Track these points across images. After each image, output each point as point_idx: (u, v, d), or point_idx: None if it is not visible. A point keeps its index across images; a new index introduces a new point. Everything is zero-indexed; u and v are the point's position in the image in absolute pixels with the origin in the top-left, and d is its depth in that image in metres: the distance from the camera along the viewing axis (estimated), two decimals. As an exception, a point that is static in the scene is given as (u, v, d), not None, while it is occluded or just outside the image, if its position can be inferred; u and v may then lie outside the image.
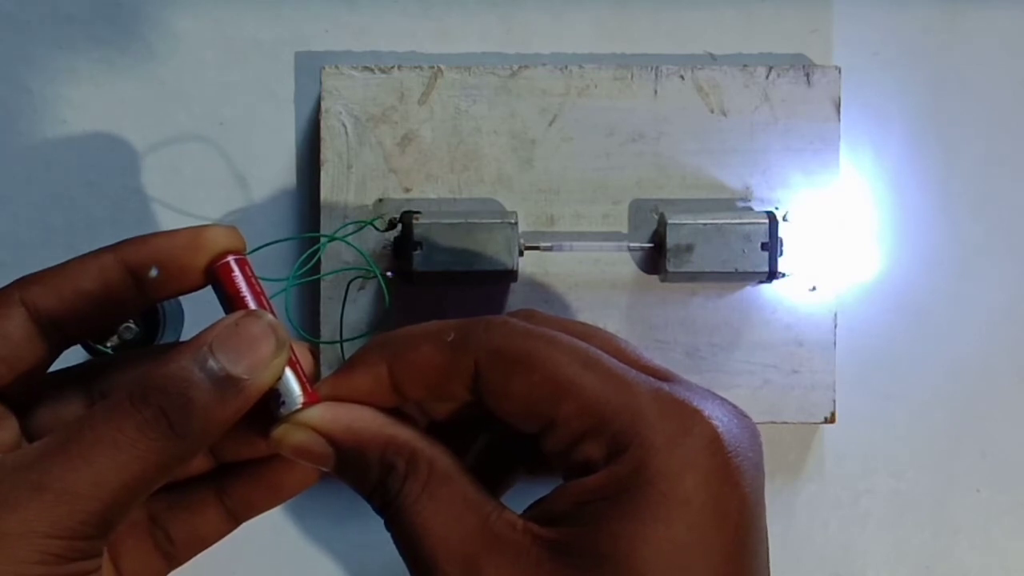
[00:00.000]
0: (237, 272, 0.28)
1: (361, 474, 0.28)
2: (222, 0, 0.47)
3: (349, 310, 0.43)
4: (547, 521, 0.26)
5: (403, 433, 0.28)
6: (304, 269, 0.40)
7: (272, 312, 0.28)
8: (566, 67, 0.44)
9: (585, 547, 0.25)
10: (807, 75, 0.44)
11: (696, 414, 0.26)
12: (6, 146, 0.46)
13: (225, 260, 0.28)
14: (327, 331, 0.43)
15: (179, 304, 0.45)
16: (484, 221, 0.41)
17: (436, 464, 0.27)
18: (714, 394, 0.28)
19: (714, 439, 0.26)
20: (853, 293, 0.47)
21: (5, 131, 0.46)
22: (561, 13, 0.47)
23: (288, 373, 0.28)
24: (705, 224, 0.41)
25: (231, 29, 0.47)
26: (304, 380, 0.28)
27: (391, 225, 0.43)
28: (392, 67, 0.44)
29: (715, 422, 0.26)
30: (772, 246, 0.41)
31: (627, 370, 0.27)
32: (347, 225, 0.43)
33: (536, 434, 0.27)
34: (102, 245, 0.41)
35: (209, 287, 0.28)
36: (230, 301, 0.28)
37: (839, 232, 0.44)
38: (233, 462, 0.31)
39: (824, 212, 0.44)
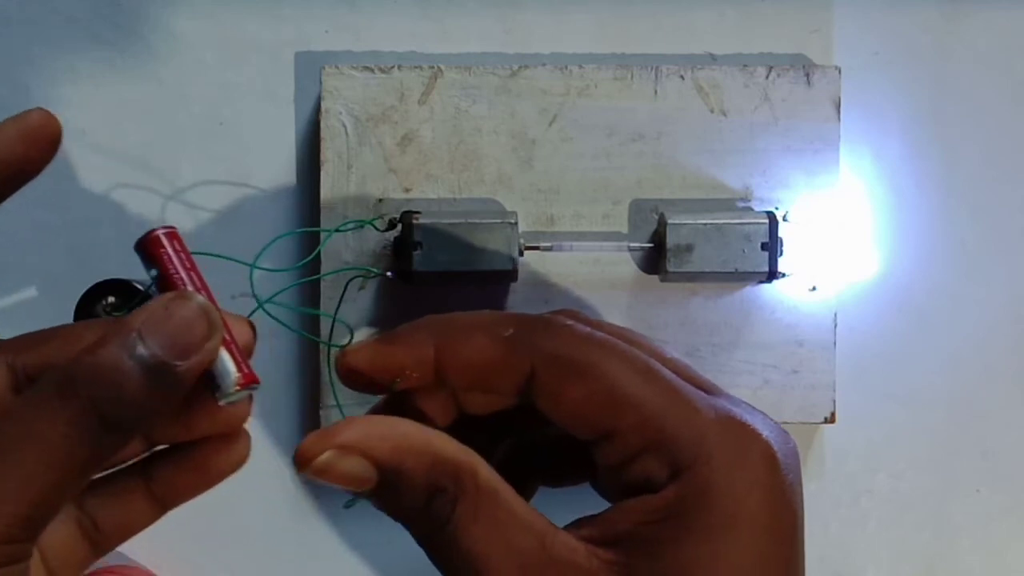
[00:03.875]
0: (166, 247, 0.27)
1: (402, 498, 0.26)
2: (222, 0, 0.47)
3: (349, 310, 0.43)
4: (608, 541, 0.25)
5: (447, 447, 0.26)
6: (304, 261, 0.40)
7: (205, 288, 0.27)
8: (566, 67, 0.44)
9: (655, 570, 0.24)
10: (807, 75, 0.44)
11: (753, 432, 0.26)
12: (6, 146, 0.46)
13: (153, 234, 0.27)
14: (327, 331, 0.43)
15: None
16: (484, 221, 0.41)
17: (481, 480, 0.26)
18: (755, 408, 0.28)
19: (771, 457, 0.25)
20: (853, 293, 0.47)
21: (5, 131, 0.46)
22: (561, 13, 0.47)
23: (223, 353, 0.27)
24: (705, 224, 0.41)
25: (231, 29, 0.47)
26: (240, 360, 0.27)
27: (391, 225, 0.43)
28: (392, 67, 0.44)
29: (770, 440, 0.26)
30: (772, 246, 0.41)
31: (684, 385, 0.27)
32: (347, 224, 0.43)
33: (589, 443, 0.27)
34: (102, 245, 0.41)
35: None
36: (159, 278, 0.27)
37: (839, 232, 0.44)
38: (159, 447, 0.29)
39: (824, 212, 0.44)
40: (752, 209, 0.44)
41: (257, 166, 0.46)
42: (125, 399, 0.24)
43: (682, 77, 0.44)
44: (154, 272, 0.27)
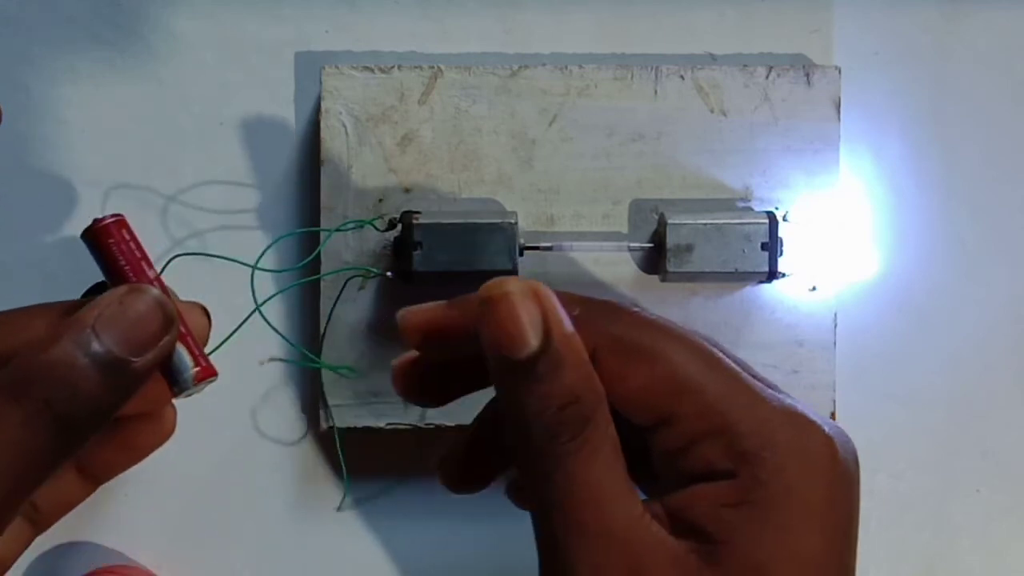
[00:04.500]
0: (116, 237, 0.26)
1: (549, 386, 0.24)
2: (222, 0, 0.47)
3: (350, 310, 0.43)
4: (682, 526, 0.25)
5: (597, 379, 0.26)
6: (304, 262, 0.40)
7: (158, 279, 0.27)
8: (566, 67, 0.44)
9: (735, 558, 0.24)
10: (807, 75, 0.44)
11: (815, 426, 0.26)
12: (5, 146, 0.46)
13: (102, 223, 0.26)
14: (325, 329, 0.43)
15: (175, 294, 0.45)
16: (484, 221, 0.41)
17: (611, 431, 0.25)
18: (807, 406, 0.27)
19: (834, 452, 0.25)
20: (853, 293, 0.47)
21: (5, 131, 0.46)
22: (561, 13, 0.47)
23: (179, 347, 0.26)
24: (705, 224, 0.41)
25: (231, 29, 0.47)
26: (197, 352, 0.27)
27: (391, 225, 0.43)
28: (392, 67, 0.44)
29: (832, 435, 0.26)
30: (772, 246, 0.41)
31: (746, 375, 0.27)
32: (347, 224, 0.43)
33: (645, 429, 0.26)
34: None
35: None
36: (110, 270, 0.26)
37: (839, 232, 0.44)
38: None
39: (824, 212, 0.44)
40: (752, 209, 0.44)
41: (257, 166, 0.46)
42: (80, 398, 0.24)
43: (682, 77, 0.44)
44: (103, 264, 0.26)
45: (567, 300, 0.26)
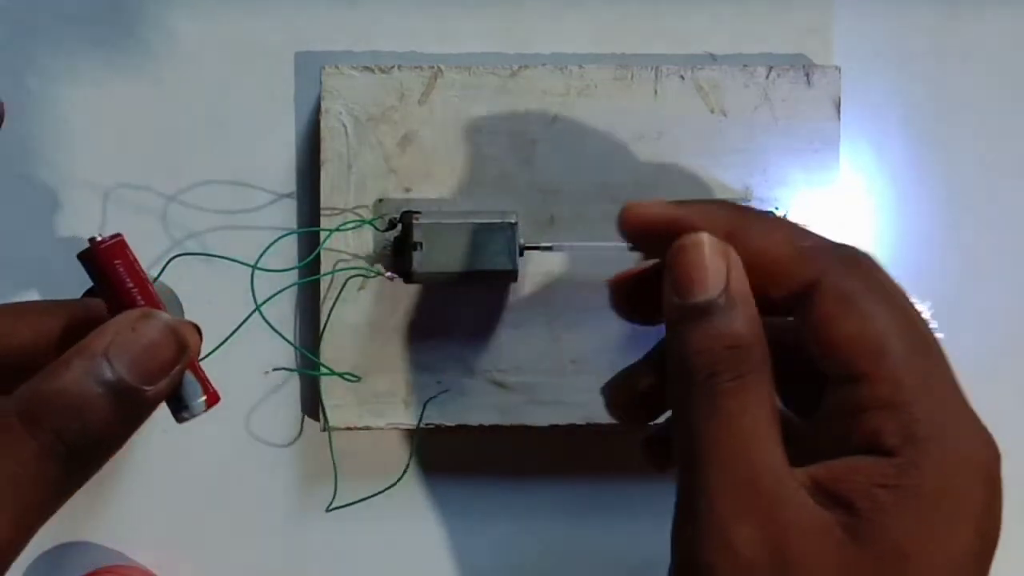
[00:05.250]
0: (121, 258, 0.25)
1: (714, 327, 0.26)
2: (222, 0, 0.47)
3: (350, 310, 0.43)
4: (833, 496, 0.24)
5: (764, 333, 0.26)
6: (304, 262, 0.40)
7: (157, 299, 0.26)
8: (566, 67, 0.44)
9: (881, 540, 0.24)
10: (807, 75, 0.44)
11: (984, 432, 0.26)
12: (6, 146, 0.46)
13: (106, 243, 0.25)
14: (326, 329, 0.43)
15: (178, 302, 0.45)
16: (484, 221, 0.41)
17: (772, 391, 0.26)
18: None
19: (994, 461, 0.26)
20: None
21: (5, 131, 0.46)
22: (561, 13, 0.47)
23: (187, 372, 0.26)
24: (705, 224, 0.41)
25: (231, 29, 0.47)
26: (204, 378, 0.26)
27: (391, 225, 0.43)
28: (392, 67, 0.44)
29: (994, 442, 0.26)
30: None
31: (950, 368, 0.27)
32: (347, 224, 0.43)
33: (829, 379, 0.26)
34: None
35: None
36: (114, 293, 0.25)
37: (839, 231, 0.44)
38: None
39: (824, 212, 0.44)
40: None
41: (257, 166, 0.46)
42: (92, 429, 0.23)
43: (682, 77, 0.44)
44: (105, 286, 0.25)
45: (797, 229, 0.27)
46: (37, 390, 0.23)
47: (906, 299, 0.27)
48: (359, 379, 0.43)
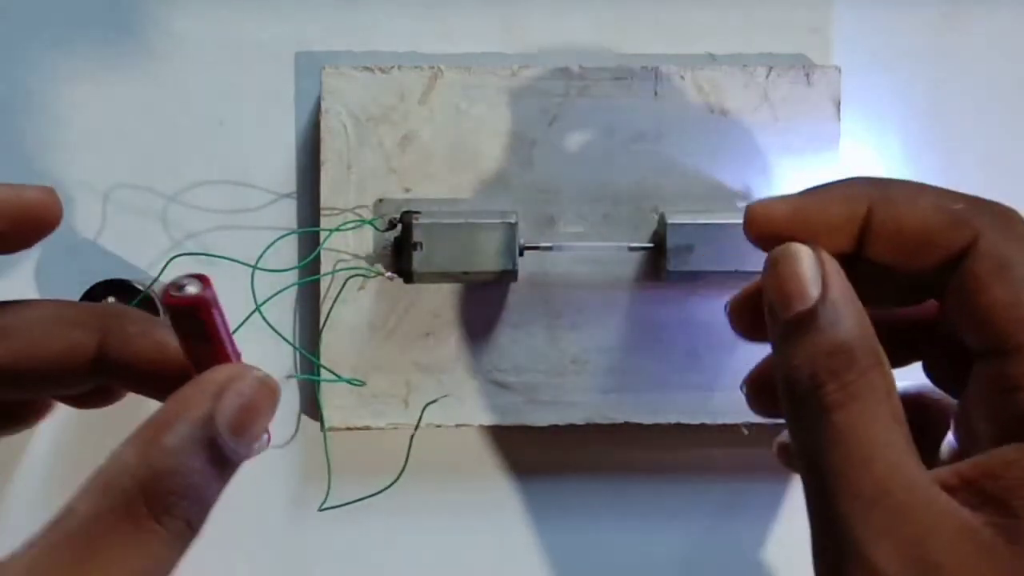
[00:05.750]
0: (216, 308, 0.23)
1: (816, 336, 0.24)
2: (222, 0, 0.47)
3: (349, 310, 0.43)
4: (984, 498, 0.22)
5: (875, 340, 0.24)
6: (304, 262, 0.40)
7: (237, 347, 0.25)
8: (566, 67, 0.44)
9: None
10: (807, 75, 0.44)
11: None
12: (5, 146, 0.46)
13: (204, 296, 0.23)
14: (325, 329, 0.43)
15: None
16: (484, 221, 0.41)
17: (890, 388, 0.24)
18: None
19: None
20: (853, 293, 0.47)
21: (5, 131, 0.46)
22: (561, 13, 0.47)
23: None
24: (705, 224, 0.41)
25: (231, 29, 0.47)
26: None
27: (391, 225, 0.43)
28: (392, 67, 0.44)
29: None
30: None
31: None
32: (347, 224, 0.43)
33: (979, 354, 0.24)
34: (102, 245, 0.41)
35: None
36: (208, 345, 0.24)
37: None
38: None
39: (824, 212, 0.44)
40: (752, 209, 0.44)
41: (257, 166, 0.46)
42: (210, 504, 0.23)
43: (682, 77, 0.44)
44: (195, 337, 0.23)
45: (951, 193, 0.25)
46: (155, 471, 0.22)
47: None
48: (362, 383, 0.43)
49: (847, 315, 0.24)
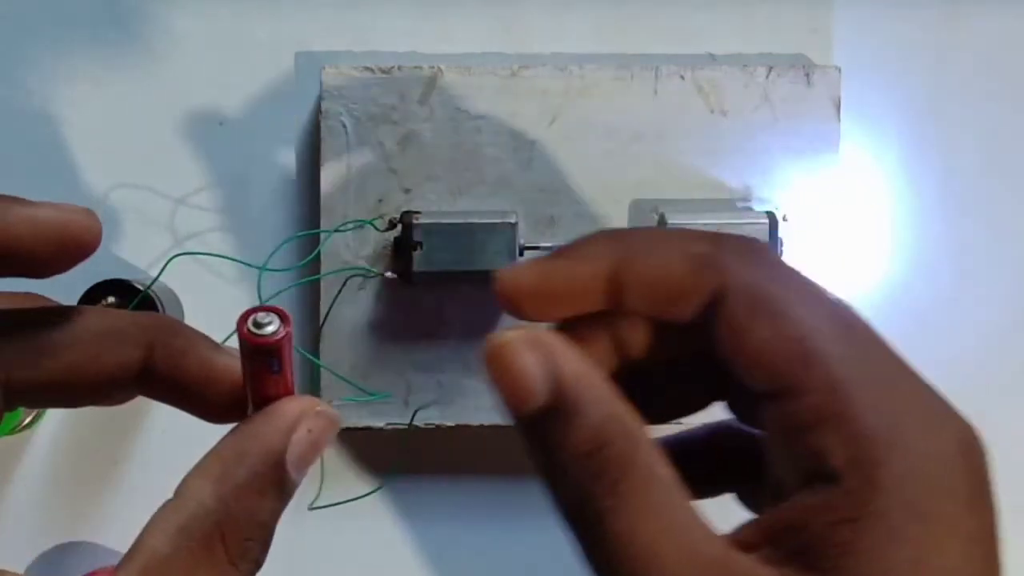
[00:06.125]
0: (291, 342, 0.23)
1: (565, 437, 0.22)
2: (222, 0, 0.47)
3: (349, 310, 0.43)
4: (791, 551, 0.21)
5: (632, 416, 0.22)
6: (304, 261, 0.40)
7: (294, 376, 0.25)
8: (566, 67, 0.44)
9: None
10: (807, 75, 0.44)
11: (954, 418, 0.22)
12: (6, 146, 0.46)
13: (287, 336, 0.22)
14: (326, 329, 0.43)
15: (178, 302, 0.45)
16: (484, 221, 0.41)
17: (658, 467, 0.22)
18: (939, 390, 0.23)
19: (972, 446, 0.22)
20: (853, 293, 0.47)
21: (5, 131, 0.46)
22: (561, 13, 0.47)
23: None
24: (705, 224, 0.41)
25: (231, 29, 0.47)
26: None
27: (391, 225, 0.43)
28: (392, 67, 0.44)
29: (970, 425, 0.22)
30: (772, 246, 0.41)
31: (888, 348, 0.22)
32: (347, 224, 0.43)
33: (763, 397, 0.22)
34: (102, 245, 0.41)
35: None
36: (274, 379, 0.23)
37: (839, 232, 0.44)
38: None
39: (824, 212, 0.44)
40: (752, 209, 0.44)
41: (257, 166, 0.46)
42: (271, 541, 0.24)
43: (682, 77, 0.44)
44: (266, 370, 0.23)
45: (691, 236, 0.23)
46: (233, 515, 0.22)
47: (822, 289, 0.23)
48: (389, 396, 0.43)
49: (592, 402, 0.22)
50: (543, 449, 0.22)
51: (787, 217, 0.43)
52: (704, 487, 0.26)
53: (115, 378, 0.24)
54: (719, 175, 0.44)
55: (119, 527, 0.46)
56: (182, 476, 0.41)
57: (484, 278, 0.42)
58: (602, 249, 0.24)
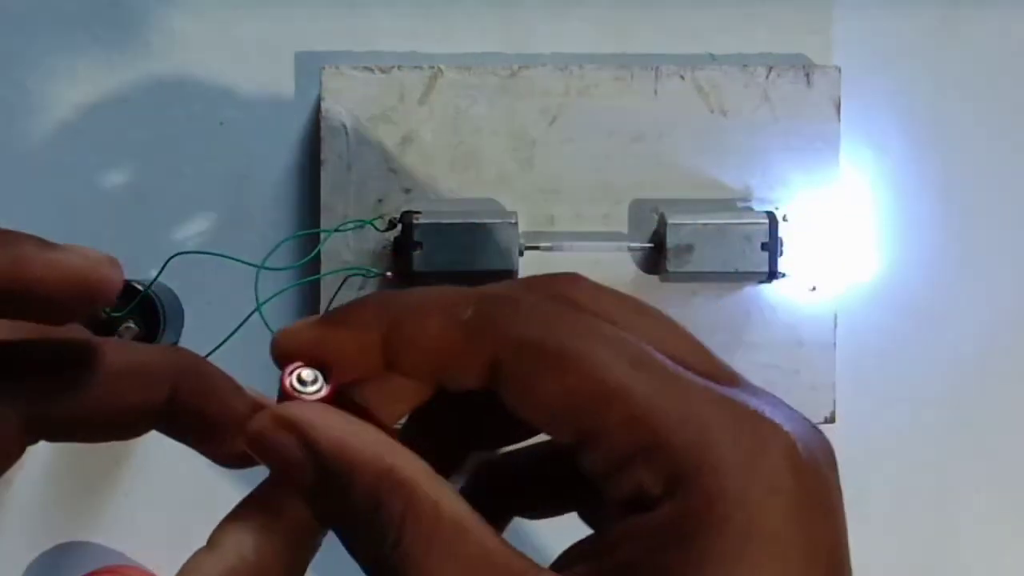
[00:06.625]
0: None
1: (341, 503, 0.22)
2: (222, 0, 0.47)
3: (349, 310, 0.43)
4: None
5: (408, 466, 0.22)
6: (304, 261, 0.40)
7: None
8: (566, 67, 0.44)
9: None
10: (807, 75, 0.44)
11: (772, 427, 0.21)
12: (6, 146, 0.46)
13: (331, 391, 0.23)
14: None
15: (178, 302, 0.45)
16: (484, 221, 0.41)
17: (444, 509, 0.21)
18: (780, 400, 0.23)
19: (794, 457, 0.21)
20: (853, 293, 0.47)
21: (5, 131, 0.46)
22: (561, 13, 0.47)
23: None
24: (705, 224, 0.41)
25: (231, 29, 0.47)
26: None
27: (391, 225, 0.43)
28: (392, 67, 0.44)
29: (794, 436, 0.21)
30: (772, 246, 0.41)
31: (684, 373, 0.22)
32: (347, 224, 0.43)
33: (572, 449, 0.22)
34: (102, 245, 0.40)
35: None
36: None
37: (839, 232, 0.44)
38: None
39: (824, 212, 0.44)
40: (752, 209, 0.44)
41: (257, 166, 0.46)
42: None
43: (682, 77, 0.44)
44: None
45: (457, 299, 0.22)
46: (287, 565, 0.23)
47: (592, 321, 0.22)
48: None
49: (357, 465, 0.21)
50: (327, 516, 0.22)
51: (787, 217, 0.43)
52: (548, 505, 0.26)
53: (138, 417, 0.23)
54: (719, 175, 0.44)
55: (119, 527, 0.46)
56: (182, 476, 0.42)
57: (484, 278, 0.42)
58: (371, 318, 0.23)
